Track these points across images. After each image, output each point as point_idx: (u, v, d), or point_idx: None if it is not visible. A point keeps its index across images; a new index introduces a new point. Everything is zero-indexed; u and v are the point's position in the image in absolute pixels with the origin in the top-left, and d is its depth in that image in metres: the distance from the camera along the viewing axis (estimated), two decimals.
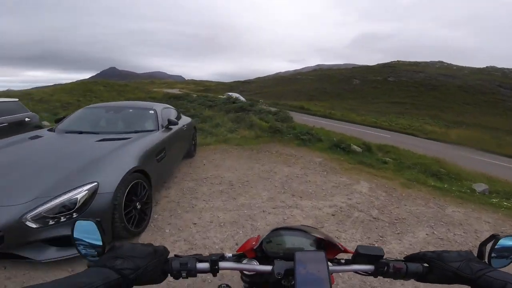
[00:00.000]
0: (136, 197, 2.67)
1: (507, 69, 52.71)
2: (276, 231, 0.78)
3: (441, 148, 11.62)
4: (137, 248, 0.60)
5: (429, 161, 7.03)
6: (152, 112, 3.92)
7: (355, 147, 7.01)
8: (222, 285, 0.83)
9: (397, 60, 70.63)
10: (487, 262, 0.65)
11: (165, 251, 0.65)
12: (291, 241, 0.77)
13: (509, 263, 0.66)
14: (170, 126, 3.88)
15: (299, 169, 5.17)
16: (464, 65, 61.55)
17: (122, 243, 0.61)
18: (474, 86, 45.02)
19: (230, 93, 27.71)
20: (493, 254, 0.65)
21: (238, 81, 72.65)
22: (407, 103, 39.79)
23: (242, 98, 16.89)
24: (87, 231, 0.61)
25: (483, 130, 23.17)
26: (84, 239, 0.61)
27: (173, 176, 4.37)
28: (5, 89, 19.84)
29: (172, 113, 4.72)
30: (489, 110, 36.30)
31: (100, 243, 0.60)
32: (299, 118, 13.04)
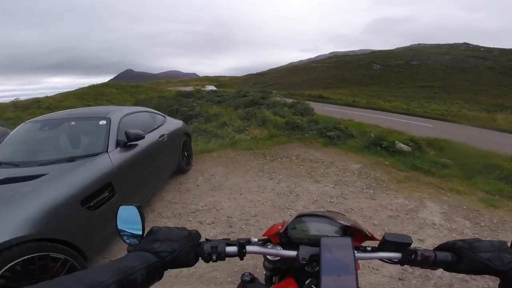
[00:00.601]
0: (33, 279, 1.45)
1: None
2: (302, 217, 0.77)
3: (497, 138, 9.53)
4: (173, 231, 0.61)
5: (502, 160, 5.19)
6: (103, 123, 2.51)
7: (401, 145, 5.34)
8: (245, 274, 0.80)
9: (418, 43, 66.75)
10: None
11: (198, 234, 0.65)
12: (316, 227, 0.74)
13: None
14: (130, 143, 2.50)
15: (331, 185, 3.64)
16: (491, 46, 56.79)
17: (159, 227, 0.62)
18: (508, 67, 41.92)
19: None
20: None
21: (251, 74, 71.23)
22: (436, 86, 37.20)
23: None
24: (128, 215, 0.63)
25: None
26: (125, 223, 0.64)
27: (149, 209, 3.01)
28: (13, 98, 19.64)
29: (148, 119, 3.30)
30: None
31: (140, 227, 0.62)
32: (320, 108, 11.34)
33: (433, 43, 69.11)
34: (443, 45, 64.62)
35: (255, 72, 73.69)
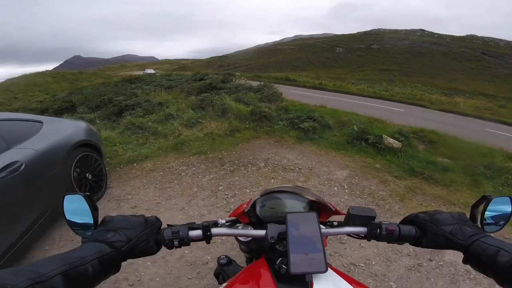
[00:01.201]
0: None
1: (487, 37, 52.23)
2: (269, 194, 0.74)
3: (471, 124, 9.29)
4: (128, 219, 0.57)
5: (500, 158, 4.46)
6: None
7: (390, 140, 4.38)
8: (222, 257, 0.79)
9: (378, 28, 69.22)
10: (479, 226, 0.58)
11: (157, 220, 0.61)
12: (284, 204, 0.73)
13: (501, 228, 0.59)
14: None
15: None
16: (443, 33, 60.60)
17: (112, 216, 0.58)
18: (459, 53, 44.91)
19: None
20: (485, 216, 0.58)
21: (216, 57, 67.76)
22: (395, 70, 38.61)
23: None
24: (77, 205, 0.56)
25: (482, 97, 21.73)
26: (74, 214, 0.57)
27: None
28: None
29: None
30: (477, 77, 36.06)
31: (91, 217, 0.56)
32: (287, 91, 10.21)
33: (391, 28, 71.63)
34: (401, 30, 67.13)
35: (220, 55, 70.10)
